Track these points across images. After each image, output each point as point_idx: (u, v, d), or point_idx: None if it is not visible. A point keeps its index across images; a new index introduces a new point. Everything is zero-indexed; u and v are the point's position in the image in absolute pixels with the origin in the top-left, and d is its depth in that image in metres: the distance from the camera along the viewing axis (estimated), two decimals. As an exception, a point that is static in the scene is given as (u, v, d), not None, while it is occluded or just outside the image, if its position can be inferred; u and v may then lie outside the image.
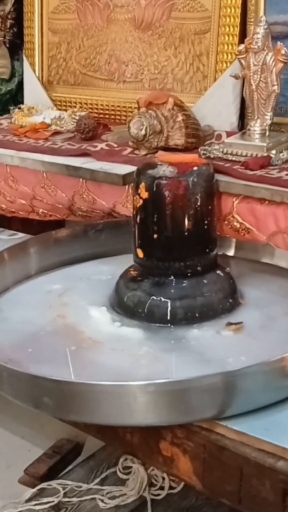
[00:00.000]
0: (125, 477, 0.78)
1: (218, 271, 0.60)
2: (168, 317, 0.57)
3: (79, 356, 0.53)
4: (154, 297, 0.58)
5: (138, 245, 0.58)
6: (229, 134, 0.74)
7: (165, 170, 0.57)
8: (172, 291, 0.58)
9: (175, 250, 0.54)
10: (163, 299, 0.57)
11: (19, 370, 0.46)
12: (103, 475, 0.79)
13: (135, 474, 0.75)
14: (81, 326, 0.57)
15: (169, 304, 0.57)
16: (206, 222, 0.57)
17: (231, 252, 0.71)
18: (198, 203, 0.57)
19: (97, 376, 0.49)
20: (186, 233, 0.56)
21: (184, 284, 0.58)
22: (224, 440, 0.44)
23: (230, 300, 0.60)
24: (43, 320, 0.59)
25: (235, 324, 0.57)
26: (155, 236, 0.56)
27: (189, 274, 0.58)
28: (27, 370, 0.47)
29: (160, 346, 0.55)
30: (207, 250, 0.58)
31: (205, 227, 0.57)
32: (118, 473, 0.78)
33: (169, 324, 0.57)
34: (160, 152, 0.71)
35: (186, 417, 0.45)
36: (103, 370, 0.51)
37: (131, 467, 0.77)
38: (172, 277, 0.58)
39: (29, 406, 0.47)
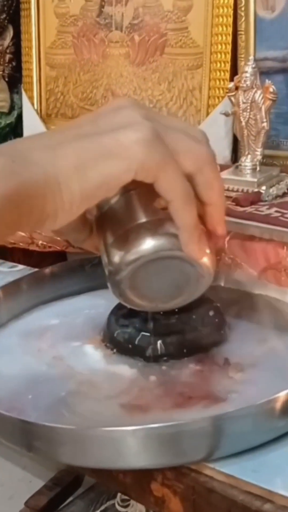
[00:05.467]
0: (123, 510, 0.78)
1: (207, 306, 0.61)
2: (159, 353, 0.58)
3: (78, 400, 0.53)
4: (144, 333, 0.58)
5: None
6: (222, 167, 0.75)
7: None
8: (162, 327, 0.58)
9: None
10: (152, 335, 0.58)
11: (10, 416, 0.47)
12: (102, 507, 0.79)
13: (133, 507, 0.76)
14: (78, 366, 0.58)
15: (159, 340, 0.58)
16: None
17: (222, 283, 0.72)
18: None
19: (96, 420, 0.50)
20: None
21: (173, 320, 0.58)
22: (213, 482, 0.45)
23: (219, 333, 0.60)
24: (41, 362, 0.60)
25: (231, 364, 0.57)
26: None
27: (177, 310, 0.58)
28: (18, 415, 0.47)
29: (153, 384, 0.55)
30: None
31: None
32: (117, 506, 0.79)
33: (160, 360, 0.58)
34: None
35: (176, 459, 0.46)
36: (101, 411, 0.52)
37: (129, 500, 0.78)
38: (161, 313, 0.59)
39: (22, 449, 0.48)
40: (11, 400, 0.53)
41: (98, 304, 0.69)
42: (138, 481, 0.49)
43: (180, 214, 0.43)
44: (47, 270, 0.74)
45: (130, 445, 0.45)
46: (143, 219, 0.46)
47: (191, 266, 0.48)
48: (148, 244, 0.45)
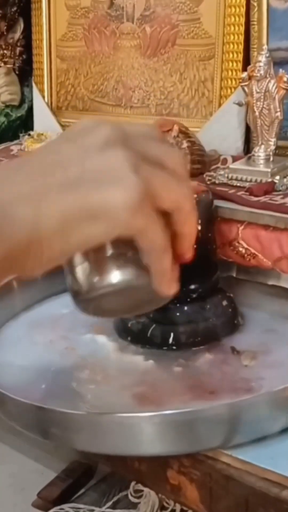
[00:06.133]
0: (136, 500, 0.78)
1: (220, 295, 0.61)
2: (173, 343, 0.58)
3: (92, 390, 0.54)
4: (158, 323, 0.59)
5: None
6: (235, 158, 0.75)
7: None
8: (175, 316, 0.59)
9: (177, 276, 0.54)
10: (166, 325, 0.58)
11: (26, 402, 0.47)
12: (115, 499, 0.79)
13: (146, 498, 0.76)
14: (91, 356, 0.58)
15: (172, 329, 0.58)
16: (206, 248, 0.59)
17: (234, 274, 0.72)
18: (198, 230, 0.57)
19: (110, 407, 0.50)
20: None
21: (186, 309, 0.59)
22: (230, 469, 0.45)
23: (233, 323, 0.61)
24: (53, 352, 0.60)
25: (242, 352, 0.57)
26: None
27: (191, 299, 0.59)
28: (35, 402, 0.47)
29: (168, 374, 0.55)
30: (208, 276, 0.59)
31: (206, 253, 0.59)
32: (130, 497, 0.79)
33: (173, 350, 0.58)
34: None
35: (192, 446, 0.46)
36: (115, 400, 0.52)
37: (142, 490, 0.78)
38: (175, 302, 0.59)
39: (38, 437, 0.48)
40: (25, 389, 0.53)
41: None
42: (153, 469, 0.49)
43: (155, 263, 0.43)
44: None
45: (146, 431, 0.45)
46: (112, 249, 0.45)
47: (156, 294, 0.47)
48: (117, 275, 0.44)
